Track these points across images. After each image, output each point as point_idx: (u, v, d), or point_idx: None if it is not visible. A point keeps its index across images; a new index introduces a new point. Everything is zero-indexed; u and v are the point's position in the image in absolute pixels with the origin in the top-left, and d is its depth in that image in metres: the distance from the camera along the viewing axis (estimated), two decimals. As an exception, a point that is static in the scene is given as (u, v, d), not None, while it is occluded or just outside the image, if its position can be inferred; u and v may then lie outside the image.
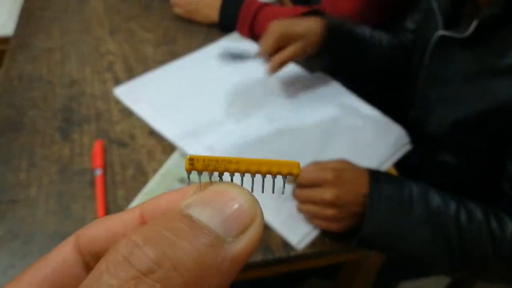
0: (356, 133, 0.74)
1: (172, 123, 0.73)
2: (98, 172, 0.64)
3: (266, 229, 0.59)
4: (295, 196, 0.60)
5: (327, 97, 0.81)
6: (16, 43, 0.90)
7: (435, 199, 0.56)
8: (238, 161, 0.17)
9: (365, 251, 0.62)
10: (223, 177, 0.17)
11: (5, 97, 0.77)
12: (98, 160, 0.65)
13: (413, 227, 0.55)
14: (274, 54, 0.74)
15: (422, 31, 0.78)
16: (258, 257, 0.56)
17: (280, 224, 0.59)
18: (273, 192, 0.17)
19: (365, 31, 0.82)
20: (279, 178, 0.17)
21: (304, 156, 0.68)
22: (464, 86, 0.68)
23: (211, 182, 0.17)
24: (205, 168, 0.17)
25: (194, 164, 0.17)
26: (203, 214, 0.15)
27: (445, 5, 0.70)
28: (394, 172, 0.69)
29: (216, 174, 0.17)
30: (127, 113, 0.75)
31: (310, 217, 0.59)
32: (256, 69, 0.80)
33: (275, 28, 0.73)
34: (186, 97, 0.79)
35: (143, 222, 0.18)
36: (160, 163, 0.67)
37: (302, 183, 0.59)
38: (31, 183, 0.63)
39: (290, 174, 0.17)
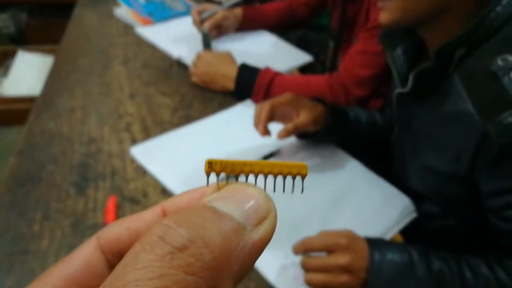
0: (362, 201, 0.76)
1: (185, 183, 0.75)
2: (110, 227, 0.65)
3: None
4: (304, 265, 0.59)
5: (334, 164, 0.84)
6: (41, 101, 0.95)
7: (436, 259, 0.57)
8: (252, 163, 0.18)
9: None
10: (239, 178, 0.19)
11: (27, 151, 0.80)
12: (110, 216, 0.67)
13: None
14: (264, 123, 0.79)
15: (393, 90, 0.83)
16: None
17: (285, 285, 0.59)
18: (283, 191, 0.19)
19: (361, 113, 0.88)
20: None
21: (311, 222, 0.69)
22: (427, 137, 0.71)
23: (228, 183, 0.18)
24: (222, 170, 0.18)
25: (213, 167, 0.18)
26: (225, 206, 0.16)
27: (401, 66, 0.74)
28: (400, 239, 0.70)
29: (232, 175, 0.19)
30: (142, 172, 0.78)
31: None
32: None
33: (287, 94, 0.80)
34: (199, 159, 0.81)
35: None
36: (170, 221, 0.68)
37: (315, 249, 0.59)
38: (43, 235, 0.64)
39: (299, 174, 0.19)
